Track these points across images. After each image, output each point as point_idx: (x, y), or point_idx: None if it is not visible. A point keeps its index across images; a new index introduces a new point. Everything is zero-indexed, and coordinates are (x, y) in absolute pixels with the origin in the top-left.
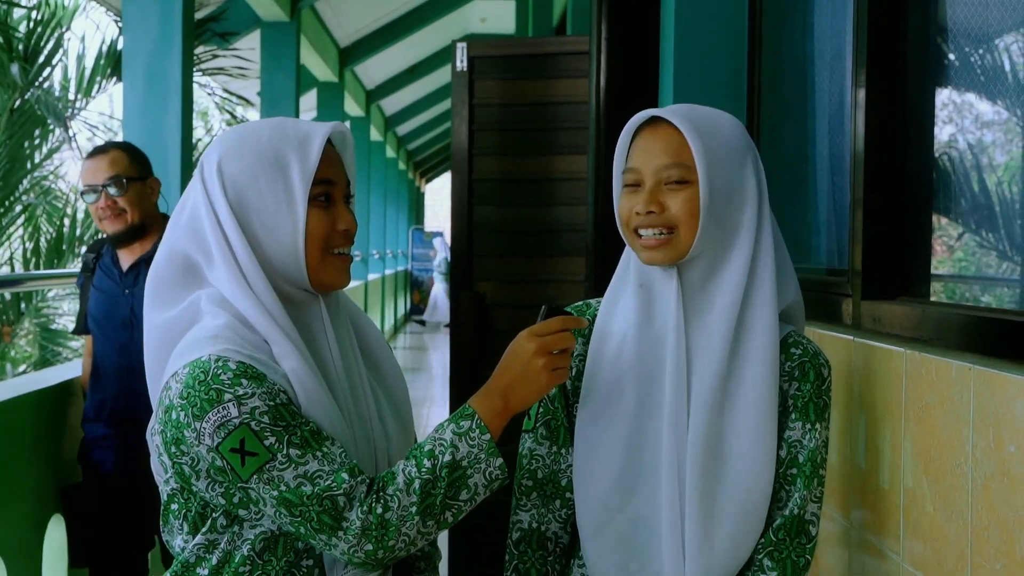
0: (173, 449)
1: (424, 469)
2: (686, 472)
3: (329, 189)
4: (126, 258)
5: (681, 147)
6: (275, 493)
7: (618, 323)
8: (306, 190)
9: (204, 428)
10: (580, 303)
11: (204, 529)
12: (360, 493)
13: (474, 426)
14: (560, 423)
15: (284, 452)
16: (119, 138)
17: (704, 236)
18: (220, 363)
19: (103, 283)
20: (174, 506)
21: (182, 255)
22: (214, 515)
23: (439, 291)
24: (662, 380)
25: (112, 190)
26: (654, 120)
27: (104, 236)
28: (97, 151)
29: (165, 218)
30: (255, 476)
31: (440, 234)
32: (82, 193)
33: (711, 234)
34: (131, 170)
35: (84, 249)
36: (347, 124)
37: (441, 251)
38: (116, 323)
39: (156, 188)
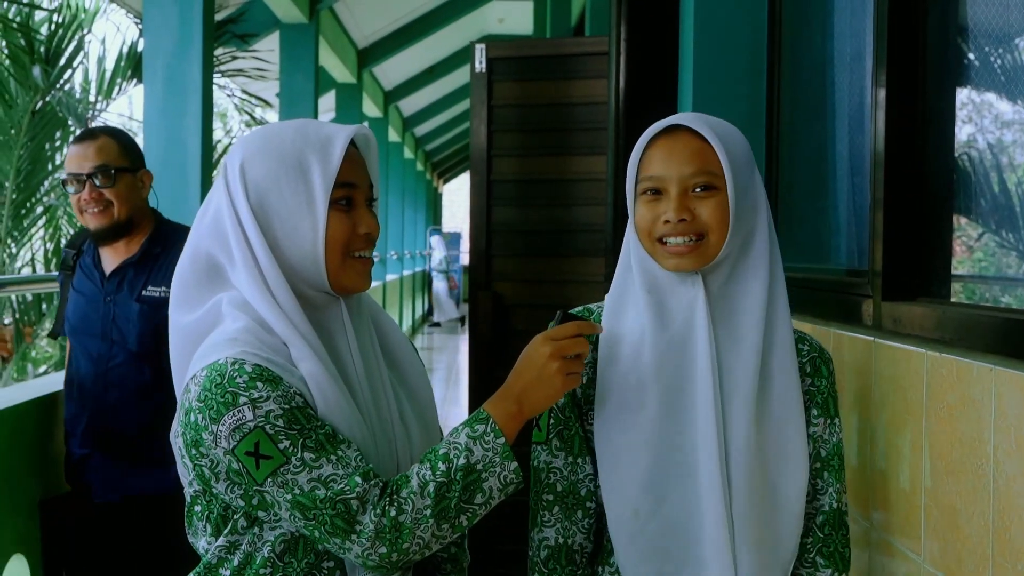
0: (193, 452)
1: (439, 472)
2: (731, 475)
3: (350, 192)
4: (110, 259)
5: (705, 154)
6: (289, 496)
7: (629, 328)
8: (327, 193)
9: (220, 431)
10: (580, 308)
11: (226, 531)
12: (373, 496)
13: (488, 430)
14: (574, 432)
15: (298, 456)
16: (139, 139)
17: (731, 241)
18: (236, 366)
19: (83, 285)
20: (197, 508)
21: (206, 256)
22: (235, 517)
23: (440, 289)
24: (688, 383)
25: (98, 180)
26: (671, 129)
27: (86, 231)
28: (84, 136)
29: (155, 215)
30: (269, 479)
31: (459, 234)
32: (63, 182)
33: (736, 239)
34: (121, 160)
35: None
36: (366, 125)
37: (439, 249)
38: (94, 332)
39: (147, 182)
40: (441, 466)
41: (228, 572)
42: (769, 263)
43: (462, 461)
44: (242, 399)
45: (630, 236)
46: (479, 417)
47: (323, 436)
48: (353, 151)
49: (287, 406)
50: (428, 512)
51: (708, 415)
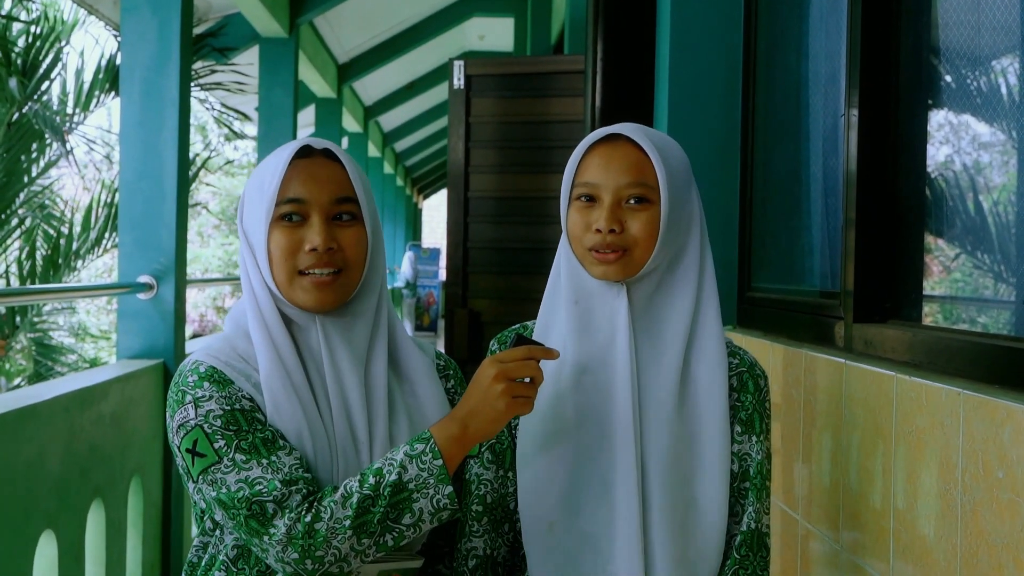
0: (173, 451)
1: (367, 485)
2: (650, 489)
3: (299, 208)
4: None
5: (642, 166)
6: (214, 494)
7: (553, 342)
8: (268, 210)
9: (172, 426)
10: (517, 326)
11: (199, 531)
12: (293, 502)
13: (427, 450)
14: (506, 446)
15: (230, 456)
16: (115, 154)
17: (658, 256)
18: (193, 366)
19: None
20: (194, 508)
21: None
22: (204, 518)
23: (406, 305)
24: (607, 395)
25: None
26: (610, 137)
27: None
28: None
29: None
30: (201, 476)
31: (438, 250)
32: None
33: (664, 254)
34: None
35: (80, 264)
36: (340, 142)
37: (408, 268)
38: None
39: None
40: (371, 480)
41: (199, 572)
42: (699, 278)
43: (393, 477)
44: (188, 397)
45: (563, 245)
46: (421, 437)
47: (260, 440)
48: (324, 163)
49: (228, 407)
50: (347, 523)
51: (626, 428)
